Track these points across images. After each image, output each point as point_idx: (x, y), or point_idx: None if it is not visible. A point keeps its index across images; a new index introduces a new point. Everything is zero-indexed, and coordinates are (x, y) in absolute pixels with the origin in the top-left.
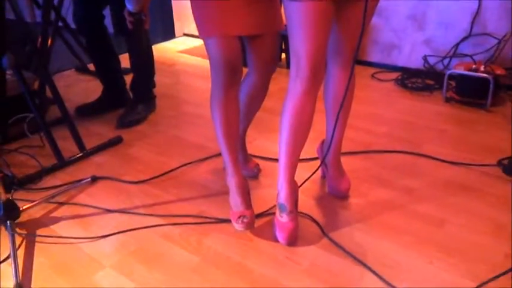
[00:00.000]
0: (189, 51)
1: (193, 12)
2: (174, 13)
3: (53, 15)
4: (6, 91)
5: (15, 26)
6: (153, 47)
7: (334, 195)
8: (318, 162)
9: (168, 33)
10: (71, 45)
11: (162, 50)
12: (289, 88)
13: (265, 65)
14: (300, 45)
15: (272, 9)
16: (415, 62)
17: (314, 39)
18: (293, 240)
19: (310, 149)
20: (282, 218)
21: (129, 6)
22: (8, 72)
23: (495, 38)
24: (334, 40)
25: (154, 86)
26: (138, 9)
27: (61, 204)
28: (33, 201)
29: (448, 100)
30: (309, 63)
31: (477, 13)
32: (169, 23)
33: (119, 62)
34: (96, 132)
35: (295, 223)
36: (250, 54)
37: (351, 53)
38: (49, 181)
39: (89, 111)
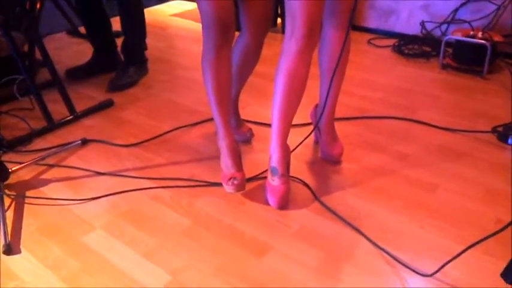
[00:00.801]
0: (182, 15)
1: None
2: None
3: None
4: None
5: None
6: (146, 10)
7: (327, 160)
8: (311, 127)
9: None
10: (61, 7)
11: (155, 13)
12: (283, 48)
13: (259, 25)
14: (296, 4)
15: None
16: (412, 28)
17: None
18: (284, 204)
19: (303, 114)
20: (274, 182)
21: None
22: None
23: (494, 3)
24: (330, 1)
25: (146, 49)
26: None
27: (51, 166)
28: (23, 163)
29: (444, 67)
30: (305, 22)
31: None
32: None
33: (110, 25)
34: (87, 95)
35: (287, 186)
36: (243, 13)
37: (347, 14)
38: (39, 143)
39: (80, 74)
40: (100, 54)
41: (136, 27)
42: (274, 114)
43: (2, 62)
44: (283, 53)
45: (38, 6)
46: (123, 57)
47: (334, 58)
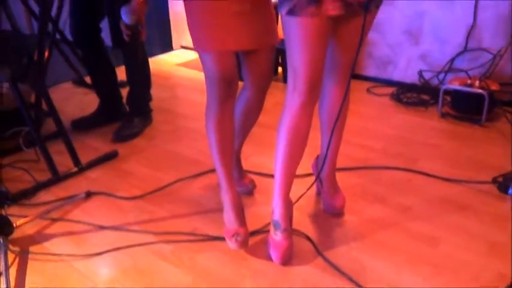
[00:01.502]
0: (186, 64)
1: (189, 27)
2: (171, 25)
3: (50, 27)
4: (2, 105)
5: (11, 37)
6: (150, 59)
7: (329, 212)
8: (313, 178)
9: (166, 45)
10: (68, 57)
11: (159, 63)
12: (286, 102)
13: (261, 80)
14: (298, 60)
15: (267, 24)
16: (410, 76)
17: (311, 54)
18: (287, 259)
19: (305, 164)
20: (277, 236)
21: (125, 19)
22: (5, 85)
23: (490, 53)
24: (331, 55)
25: (150, 100)
26: (135, 22)
27: (55, 220)
28: (27, 216)
29: (443, 115)
30: (306, 78)
31: (472, 28)
32: (166, 35)
33: (115, 75)
34: (91, 146)
35: (290, 241)
36: (245, 68)
37: (347, 68)
38: (43, 196)
39: (85, 124)
40: (105, 105)
41: (141, 78)
42: (277, 169)
43: (9, 114)
44: (285, 107)
45: (46, 55)
46: (128, 108)
47: (334, 112)
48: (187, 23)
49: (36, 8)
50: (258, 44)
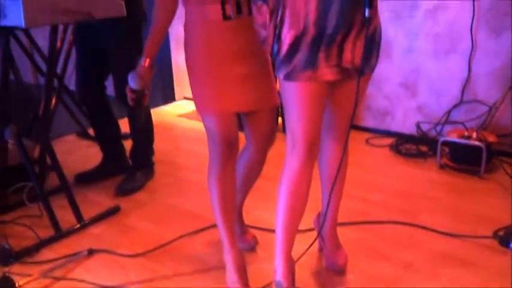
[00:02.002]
0: (189, 115)
1: (191, 88)
2: (174, 76)
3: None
4: (7, 160)
5: (17, 91)
6: (153, 110)
7: (332, 270)
8: (315, 233)
9: (168, 96)
10: (72, 110)
11: (162, 114)
12: (285, 164)
13: (263, 140)
14: (295, 124)
15: (267, 86)
16: (408, 127)
17: (309, 118)
18: None
19: (306, 219)
20: None
21: (132, 84)
22: (10, 140)
23: (486, 105)
24: (328, 116)
25: (153, 154)
26: (141, 87)
27: (58, 279)
28: (30, 275)
29: (442, 167)
30: (304, 142)
31: (467, 81)
32: (169, 86)
33: (119, 131)
34: (94, 200)
35: None
36: (247, 129)
37: (344, 127)
38: (46, 253)
39: (88, 178)
40: (109, 159)
41: (144, 134)
42: (278, 229)
43: (14, 169)
44: (285, 167)
45: (53, 106)
46: (131, 162)
47: (333, 169)
48: (190, 84)
49: (42, 63)
50: (258, 105)
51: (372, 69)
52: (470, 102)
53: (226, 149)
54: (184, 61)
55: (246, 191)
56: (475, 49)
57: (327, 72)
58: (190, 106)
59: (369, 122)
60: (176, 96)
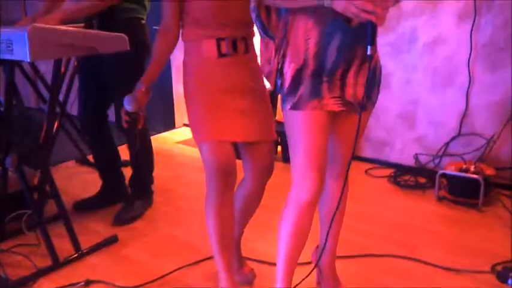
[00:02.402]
0: (188, 142)
1: (188, 117)
2: (174, 104)
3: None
4: (7, 188)
5: (18, 115)
6: (153, 137)
7: None
8: (313, 266)
9: (168, 123)
10: (73, 137)
11: (162, 140)
12: (289, 197)
13: (261, 172)
14: (301, 156)
15: (265, 119)
16: (407, 159)
17: (317, 147)
18: None
19: (305, 251)
20: None
21: (127, 106)
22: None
23: (483, 138)
24: (329, 150)
25: (152, 182)
26: (136, 109)
27: None
28: None
29: (440, 199)
30: (314, 171)
31: (465, 114)
32: (170, 113)
33: (119, 159)
34: (92, 229)
35: None
36: (245, 160)
37: (345, 162)
38: (43, 284)
39: (87, 206)
40: (108, 187)
41: (144, 164)
42: (280, 262)
43: (13, 196)
44: (289, 201)
45: (54, 133)
46: (130, 190)
47: (333, 205)
48: (187, 114)
49: (44, 89)
50: (255, 137)
51: (374, 104)
52: (468, 135)
53: (224, 179)
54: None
55: (244, 223)
56: (473, 83)
57: (331, 103)
58: (190, 133)
59: (368, 152)
60: (176, 123)
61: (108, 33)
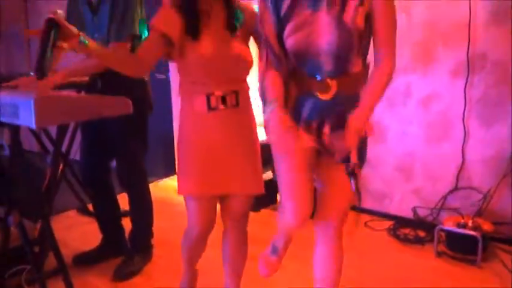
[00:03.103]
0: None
1: (177, 170)
2: (175, 149)
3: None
4: (9, 244)
5: (23, 171)
6: (153, 184)
7: None
8: None
9: (169, 168)
10: (74, 187)
11: (162, 187)
12: (318, 235)
13: (241, 220)
14: (283, 190)
15: (253, 172)
16: (405, 211)
17: (294, 184)
18: None
19: None
20: None
21: None
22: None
23: (480, 192)
24: (321, 206)
25: (152, 236)
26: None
27: None
28: None
29: (439, 254)
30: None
31: (461, 168)
32: (170, 158)
33: (119, 213)
34: (92, 283)
35: None
36: (222, 211)
37: (335, 219)
38: None
39: (87, 260)
40: (108, 241)
41: (144, 220)
42: None
43: (13, 251)
44: (320, 240)
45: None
46: (130, 245)
47: (327, 267)
48: (177, 165)
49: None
50: (240, 190)
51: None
52: (465, 189)
53: (203, 231)
54: None
55: (238, 275)
56: (468, 137)
57: (308, 139)
58: None
59: (367, 203)
60: (177, 169)
61: (111, 97)
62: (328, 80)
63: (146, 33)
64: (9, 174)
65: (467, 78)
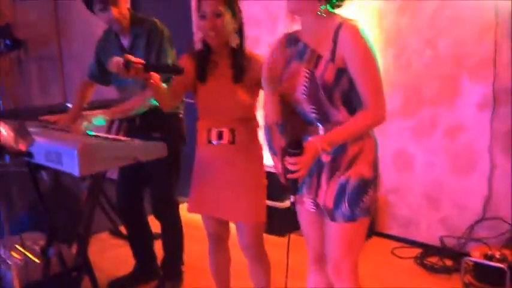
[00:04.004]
0: None
1: None
2: None
3: None
4: (50, 273)
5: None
6: (182, 206)
7: None
8: None
9: None
10: (106, 210)
11: None
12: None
13: (245, 249)
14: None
15: (247, 203)
16: (432, 239)
17: (307, 239)
18: None
19: None
20: None
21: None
22: (52, 251)
23: (508, 222)
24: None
25: (182, 263)
26: None
27: None
28: None
29: (466, 286)
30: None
31: (488, 198)
32: None
33: (152, 239)
34: None
35: None
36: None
37: (332, 263)
38: None
39: (122, 286)
40: (141, 267)
41: (175, 248)
42: None
43: (52, 279)
44: None
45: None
46: (162, 271)
47: None
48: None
49: None
50: (231, 217)
51: (346, 218)
52: (492, 219)
53: (213, 241)
54: None
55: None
56: (494, 169)
57: (308, 203)
58: None
59: (393, 230)
60: None
61: (149, 142)
62: (317, 126)
63: None
64: (49, 204)
65: (493, 111)
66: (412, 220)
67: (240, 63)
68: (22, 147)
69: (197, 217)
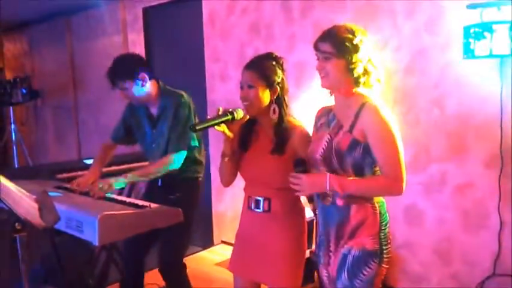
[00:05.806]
0: (227, 264)
1: None
2: (213, 221)
3: None
4: None
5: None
6: (191, 257)
7: None
8: None
9: (207, 240)
10: (117, 263)
11: (199, 261)
12: None
13: None
14: None
15: (276, 268)
16: None
17: None
18: None
19: None
20: None
21: None
22: None
23: None
24: None
25: None
26: None
27: None
28: None
29: None
30: None
31: (498, 255)
32: (208, 230)
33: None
34: None
35: None
36: None
37: None
38: None
39: None
40: None
41: None
42: None
43: None
44: None
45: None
46: None
47: None
48: None
49: None
50: (257, 279)
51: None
52: (503, 276)
53: None
54: (224, 208)
55: None
56: (504, 227)
57: (323, 271)
58: (228, 252)
59: (405, 284)
60: (214, 240)
61: (166, 208)
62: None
63: (196, 142)
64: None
65: (501, 170)
66: (422, 276)
67: (280, 135)
68: (48, 224)
69: (203, 267)
